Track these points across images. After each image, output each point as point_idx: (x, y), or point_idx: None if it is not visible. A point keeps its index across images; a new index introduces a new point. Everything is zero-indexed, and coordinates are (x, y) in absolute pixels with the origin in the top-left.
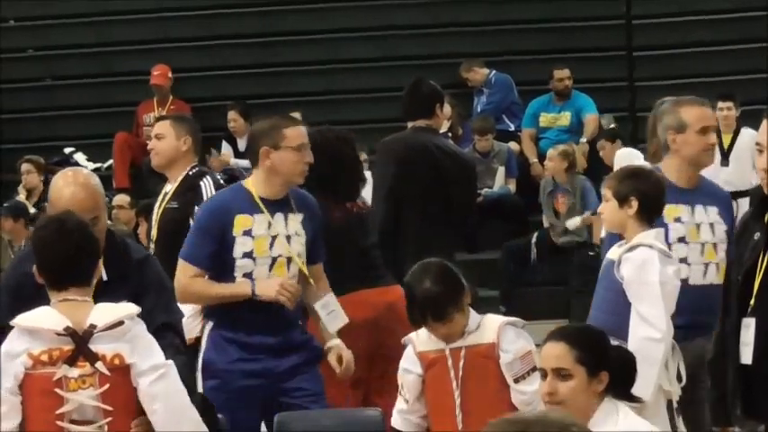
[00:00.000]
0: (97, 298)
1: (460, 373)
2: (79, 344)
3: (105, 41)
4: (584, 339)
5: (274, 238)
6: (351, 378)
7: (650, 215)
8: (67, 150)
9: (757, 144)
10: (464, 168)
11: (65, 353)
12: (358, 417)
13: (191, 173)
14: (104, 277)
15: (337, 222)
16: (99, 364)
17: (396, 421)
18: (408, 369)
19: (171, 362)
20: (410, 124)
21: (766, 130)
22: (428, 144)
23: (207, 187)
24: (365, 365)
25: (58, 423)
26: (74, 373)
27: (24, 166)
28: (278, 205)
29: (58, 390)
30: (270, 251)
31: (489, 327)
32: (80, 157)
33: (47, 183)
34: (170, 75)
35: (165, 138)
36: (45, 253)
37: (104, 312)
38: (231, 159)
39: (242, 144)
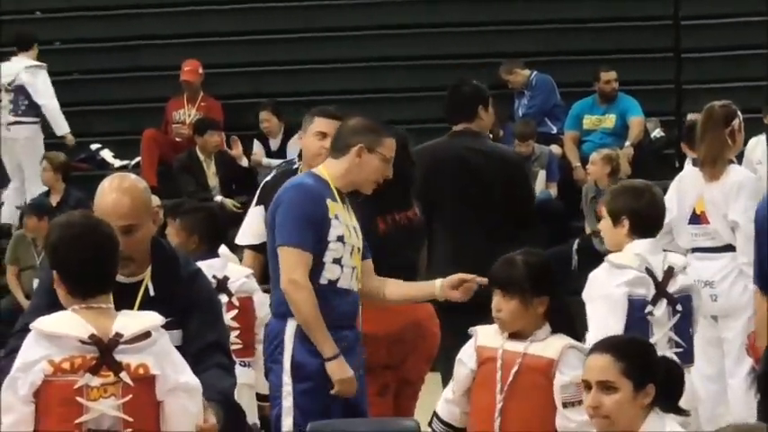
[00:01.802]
0: None
1: (510, 377)
2: (104, 353)
3: (134, 35)
4: (630, 351)
5: (348, 228)
6: (376, 384)
7: (644, 233)
8: (94, 147)
9: None
10: (505, 168)
11: (88, 361)
12: (393, 426)
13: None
14: (151, 292)
15: (381, 234)
16: (123, 374)
17: (441, 408)
18: (463, 361)
19: (199, 384)
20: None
21: None
22: (460, 150)
23: None
24: (389, 374)
25: None
26: (96, 382)
27: (42, 164)
28: (343, 198)
29: (78, 398)
30: (350, 239)
31: (554, 344)
32: (107, 153)
33: (68, 180)
34: (201, 71)
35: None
36: (72, 259)
37: (130, 321)
38: (263, 159)
39: (274, 144)
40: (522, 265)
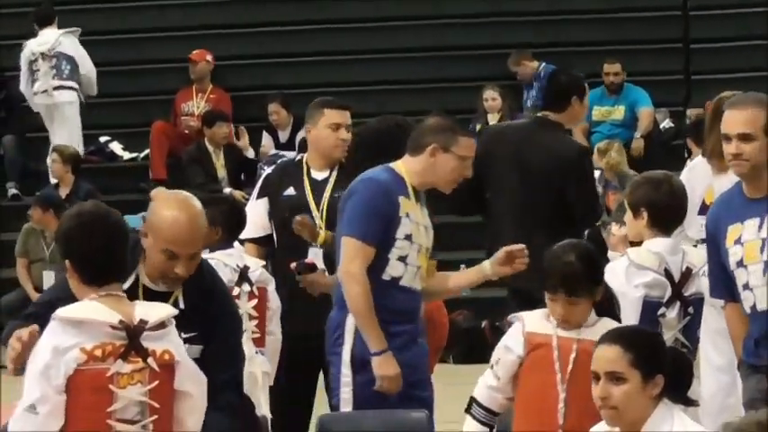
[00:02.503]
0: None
1: (570, 366)
2: (132, 338)
3: (143, 27)
4: (638, 342)
5: (418, 227)
6: None
7: (664, 225)
8: (103, 139)
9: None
10: (553, 162)
11: (117, 348)
12: (402, 418)
13: (344, 162)
14: (180, 305)
15: None
16: (150, 360)
17: (481, 394)
18: (510, 348)
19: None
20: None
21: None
22: (518, 139)
23: None
24: None
25: (108, 422)
26: (126, 368)
27: (51, 156)
28: (421, 196)
29: (111, 386)
30: (419, 238)
31: (605, 327)
32: (116, 146)
33: (76, 172)
34: (209, 58)
35: (350, 130)
36: (84, 246)
37: (149, 309)
38: (271, 150)
39: (283, 136)
40: (582, 266)
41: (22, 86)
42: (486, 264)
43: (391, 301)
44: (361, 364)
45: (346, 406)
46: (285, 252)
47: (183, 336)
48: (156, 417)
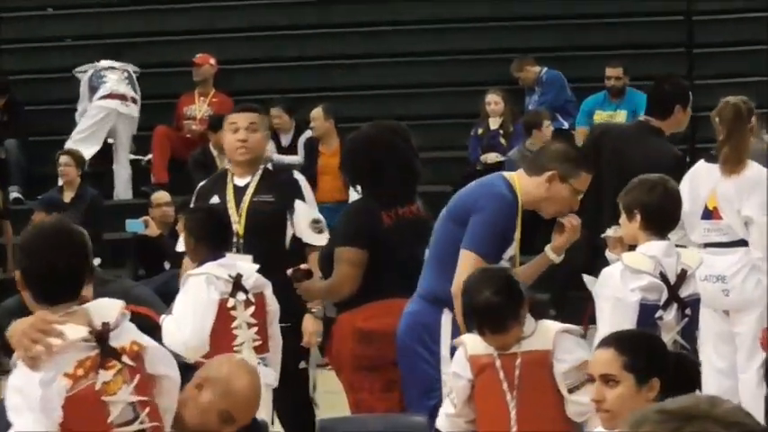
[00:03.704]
0: None
1: (516, 380)
2: (102, 344)
3: (145, 31)
4: (634, 345)
5: (516, 245)
6: (381, 381)
7: (658, 227)
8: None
9: None
10: (648, 167)
11: (94, 359)
12: (403, 422)
13: (269, 167)
14: None
15: (386, 228)
16: (125, 358)
17: (442, 424)
18: (458, 374)
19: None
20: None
21: None
22: (615, 138)
23: (304, 183)
24: (395, 369)
25: None
26: (108, 376)
27: (63, 159)
28: (522, 213)
29: (104, 398)
30: (515, 257)
31: (545, 333)
32: None
33: (83, 176)
34: (212, 62)
35: (258, 130)
36: (44, 261)
37: (101, 310)
38: (274, 155)
39: (285, 140)
40: (502, 299)
41: (81, 106)
42: (547, 249)
43: None
44: None
45: None
46: None
47: None
48: (148, 409)
